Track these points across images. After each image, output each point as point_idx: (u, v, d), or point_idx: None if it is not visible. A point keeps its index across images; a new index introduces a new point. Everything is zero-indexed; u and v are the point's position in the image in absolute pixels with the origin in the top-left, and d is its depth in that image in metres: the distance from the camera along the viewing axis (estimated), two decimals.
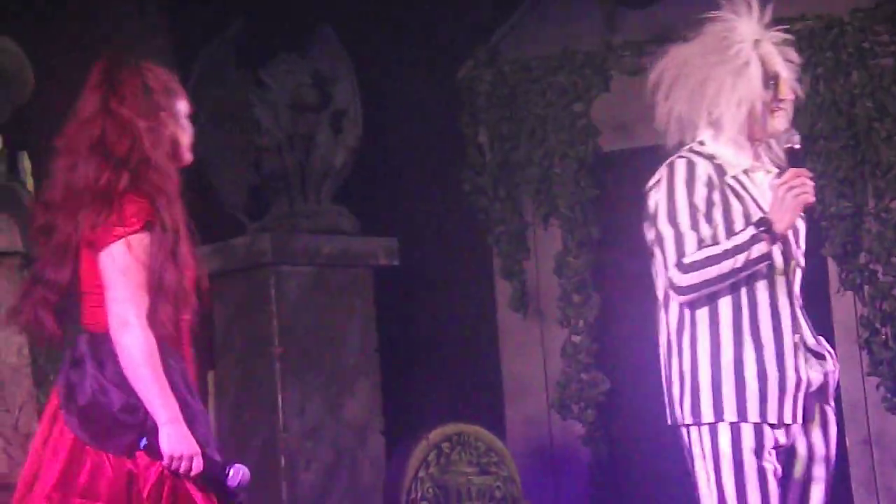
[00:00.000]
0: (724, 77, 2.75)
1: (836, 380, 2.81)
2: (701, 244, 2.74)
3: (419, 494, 4.44)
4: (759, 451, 2.69)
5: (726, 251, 2.70)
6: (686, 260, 2.75)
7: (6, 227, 3.92)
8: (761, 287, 2.73)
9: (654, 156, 4.98)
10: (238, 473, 2.38)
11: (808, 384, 2.73)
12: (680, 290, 2.77)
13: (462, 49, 5.18)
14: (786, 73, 2.79)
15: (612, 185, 5.13)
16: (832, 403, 2.82)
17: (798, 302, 2.78)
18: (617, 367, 5.08)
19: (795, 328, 2.74)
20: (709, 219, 2.76)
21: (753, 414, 2.69)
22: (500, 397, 5.15)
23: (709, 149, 2.85)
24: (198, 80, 4.79)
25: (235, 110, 4.91)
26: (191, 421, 2.36)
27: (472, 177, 5.23)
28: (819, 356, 2.77)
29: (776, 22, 4.63)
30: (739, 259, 2.68)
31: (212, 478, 2.35)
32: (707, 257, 2.70)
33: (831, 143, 4.76)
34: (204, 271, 2.49)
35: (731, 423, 2.70)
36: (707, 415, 2.72)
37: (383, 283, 4.98)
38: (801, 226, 2.84)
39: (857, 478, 4.75)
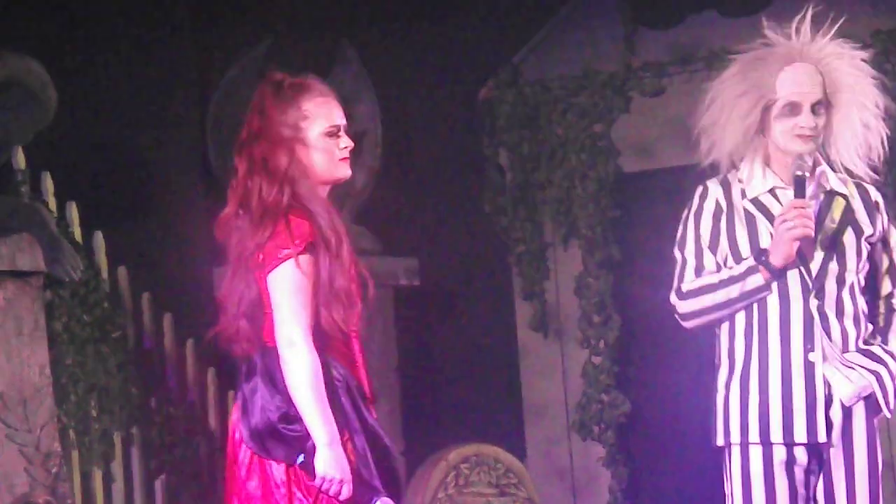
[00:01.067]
0: (726, 105, 2.80)
1: (886, 392, 2.72)
2: (700, 272, 2.77)
3: None
4: (767, 472, 2.68)
5: (721, 281, 2.73)
6: (684, 287, 2.81)
7: (28, 247, 3.94)
8: (773, 305, 2.71)
9: (675, 177, 5.05)
10: None
11: (830, 400, 2.69)
12: (681, 317, 2.85)
13: (483, 70, 5.19)
14: (804, 99, 2.75)
15: (633, 206, 5.13)
16: (873, 420, 2.73)
17: (835, 318, 2.72)
18: (637, 388, 5.07)
19: (808, 343, 2.70)
20: (713, 247, 2.79)
21: (754, 433, 2.70)
22: (520, 418, 5.13)
23: (741, 171, 2.86)
24: (222, 98, 4.81)
25: None
26: (349, 437, 2.42)
27: (492, 197, 5.23)
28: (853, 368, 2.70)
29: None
30: (734, 290, 2.71)
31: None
32: (702, 286, 2.76)
33: None
34: (368, 279, 2.53)
35: (741, 444, 2.72)
36: (719, 436, 2.78)
37: (404, 303, 4.97)
38: (851, 241, 2.75)
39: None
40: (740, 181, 2.84)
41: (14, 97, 3.94)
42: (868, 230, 2.79)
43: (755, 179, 2.82)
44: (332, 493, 2.38)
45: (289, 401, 2.40)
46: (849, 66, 2.83)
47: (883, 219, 2.83)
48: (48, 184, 4.20)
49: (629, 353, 5.08)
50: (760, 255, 2.69)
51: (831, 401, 2.71)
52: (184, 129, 4.84)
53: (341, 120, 2.53)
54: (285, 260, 2.42)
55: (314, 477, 2.39)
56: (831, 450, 2.73)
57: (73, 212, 4.27)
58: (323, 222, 2.45)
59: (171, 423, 4.45)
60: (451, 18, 5.07)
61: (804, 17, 2.81)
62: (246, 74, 4.82)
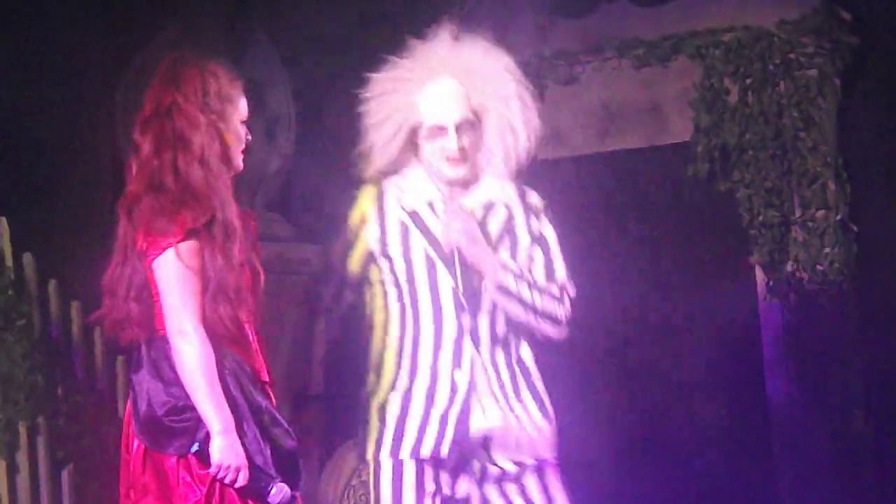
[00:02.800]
0: (374, 124, 2.73)
1: (538, 440, 2.70)
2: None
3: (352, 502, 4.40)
4: (419, 494, 2.63)
5: None
6: None
7: None
8: (426, 319, 2.69)
9: (588, 164, 5.15)
10: (280, 492, 2.39)
11: (471, 431, 2.64)
12: None
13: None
14: (446, 121, 2.69)
15: (546, 194, 5.12)
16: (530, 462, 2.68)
17: (487, 335, 2.69)
18: (550, 375, 5.09)
19: (457, 361, 2.66)
20: (384, 252, 2.75)
21: (406, 450, 2.65)
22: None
23: (399, 181, 2.81)
24: (131, 82, 4.72)
25: None
26: (238, 425, 2.36)
27: None
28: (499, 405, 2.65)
29: (700, 35, 4.77)
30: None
31: (255, 491, 2.37)
32: None
33: (759, 152, 4.83)
34: (260, 271, 2.47)
35: (393, 460, 2.65)
36: (368, 451, 2.70)
37: (318, 289, 4.93)
38: (493, 263, 2.72)
39: (783, 484, 4.81)
40: (399, 190, 2.79)
41: None
42: (525, 240, 2.83)
43: (412, 191, 2.76)
44: (227, 480, 2.36)
45: (176, 392, 2.37)
46: (494, 74, 2.79)
47: (542, 225, 2.89)
48: None
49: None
50: None
51: (467, 429, 2.67)
52: (92, 111, 4.75)
53: (246, 110, 2.51)
54: (167, 248, 2.37)
55: (209, 465, 2.36)
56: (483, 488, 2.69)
57: None
58: (218, 215, 2.40)
59: (78, 413, 4.38)
60: (360, 5, 5.03)
61: (442, 23, 2.79)
62: (156, 58, 4.73)
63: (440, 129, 2.70)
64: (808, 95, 4.77)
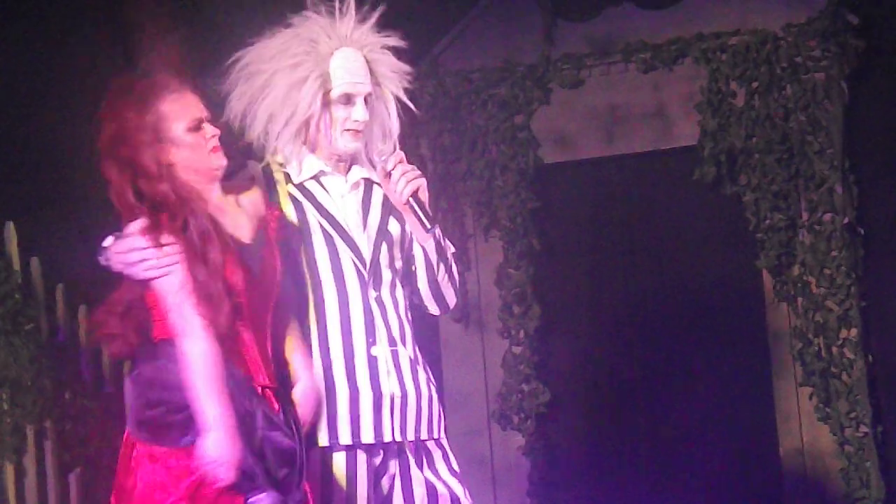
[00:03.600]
0: (279, 88, 2.59)
1: (430, 411, 2.65)
2: None
3: None
4: (350, 478, 2.57)
5: None
6: None
7: None
8: (331, 300, 2.60)
9: (594, 167, 5.16)
10: (261, 502, 2.40)
11: (394, 399, 2.60)
12: None
13: (403, 61, 5.14)
14: (359, 91, 2.60)
15: (553, 197, 5.14)
16: (425, 433, 2.63)
17: (392, 308, 2.64)
18: (556, 378, 5.09)
19: (370, 336, 2.59)
20: None
21: (334, 436, 2.56)
22: (442, 408, 5.13)
23: (280, 155, 2.68)
24: None
25: None
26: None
27: None
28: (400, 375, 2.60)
29: (706, 39, 4.78)
30: None
31: (238, 494, 2.39)
32: None
33: (766, 156, 4.82)
34: (240, 276, 2.46)
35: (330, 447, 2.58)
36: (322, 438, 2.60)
37: None
38: (395, 227, 2.67)
39: (789, 487, 4.81)
40: (281, 165, 2.66)
41: None
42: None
43: (302, 164, 2.64)
44: (216, 475, 2.37)
45: (173, 395, 2.40)
46: (386, 57, 2.69)
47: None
48: None
49: (548, 343, 5.11)
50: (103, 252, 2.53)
51: (391, 399, 2.61)
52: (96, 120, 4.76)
53: (202, 111, 2.47)
54: None
55: (199, 460, 2.38)
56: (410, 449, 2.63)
57: None
58: (192, 222, 2.41)
59: (86, 417, 4.39)
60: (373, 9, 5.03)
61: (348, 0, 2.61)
62: (158, 67, 4.78)
63: (348, 98, 2.60)
64: (814, 99, 4.77)
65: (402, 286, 2.70)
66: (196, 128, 2.45)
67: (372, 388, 2.61)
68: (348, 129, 2.61)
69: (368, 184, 2.69)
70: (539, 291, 5.09)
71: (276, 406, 2.49)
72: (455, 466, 2.73)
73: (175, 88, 2.46)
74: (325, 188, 2.66)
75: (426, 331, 5.10)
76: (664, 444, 4.96)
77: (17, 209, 4.27)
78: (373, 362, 2.61)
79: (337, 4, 2.60)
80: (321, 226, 2.63)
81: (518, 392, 5.04)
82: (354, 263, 2.63)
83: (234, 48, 2.60)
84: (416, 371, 2.68)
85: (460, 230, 5.16)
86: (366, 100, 2.63)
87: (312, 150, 2.66)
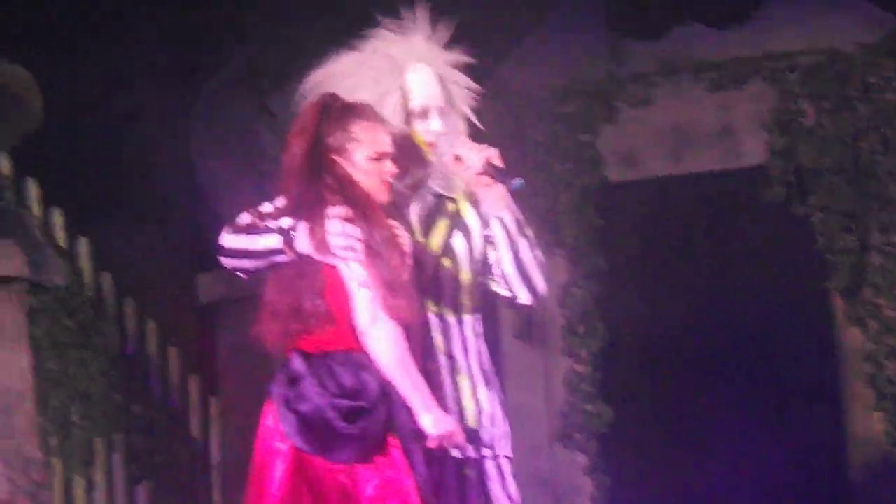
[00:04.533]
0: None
1: (492, 428, 2.69)
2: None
3: None
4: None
5: (257, 231, 2.56)
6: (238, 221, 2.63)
7: (12, 253, 3.94)
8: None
9: (660, 186, 5.13)
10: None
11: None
12: (218, 250, 2.66)
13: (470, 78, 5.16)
14: (435, 105, 2.64)
15: (618, 216, 5.12)
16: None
17: (455, 323, 2.66)
18: (620, 398, 5.06)
19: (427, 352, 2.59)
20: None
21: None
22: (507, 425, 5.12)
23: None
24: (205, 108, 4.85)
25: (241, 138, 4.92)
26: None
27: None
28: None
29: (775, 58, 4.72)
30: (257, 241, 2.54)
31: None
32: (249, 226, 2.57)
33: (836, 176, 4.76)
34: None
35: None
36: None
37: None
38: (461, 244, 2.65)
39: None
40: None
41: (0, 103, 3.94)
42: (476, 225, 2.70)
43: None
44: (452, 445, 2.46)
45: (346, 403, 2.43)
46: (456, 74, 2.71)
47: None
48: (33, 190, 4.20)
49: (612, 362, 5.07)
50: (286, 231, 2.50)
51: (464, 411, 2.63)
52: (170, 137, 4.83)
53: (388, 147, 2.54)
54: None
55: (425, 440, 2.44)
56: None
57: (57, 218, 4.27)
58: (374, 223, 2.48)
59: (153, 430, 4.44)
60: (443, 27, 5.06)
61: (421, 15, 2.65)
62: (227, 85, 4.86)
63: (424, 112, 2.64)
64: (886, 119, 4.70)
65: (473, 299, 2.68)
66: (378, 159, 2.52)
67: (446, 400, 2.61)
68: (428, 143, 2.64)
69: (437, 198, 2.71)
70: (603, 310, 5.09)
71: None
72: (511, 490, 2.73)
73: (371, 117, 2.54)
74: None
75: (489, 350, 5.18)
76: (730, 467, 4.89)
77: (90, 226, 4.36)
78: (429, 374, 2.58)
79: (409, 22, 2.65)
80: None
81: (581, 411, 5.05)
82: (414, 278, 2.59)
83: (300, 68, 2.66)
84: (477, 387, 2.67)
85: None
86: (439, 113, 2.67)
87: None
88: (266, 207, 2.52)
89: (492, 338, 5.30)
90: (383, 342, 2.43)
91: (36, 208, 4.19)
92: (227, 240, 2.54)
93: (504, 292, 2.72)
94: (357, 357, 2.46)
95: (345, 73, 2.63)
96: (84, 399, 4.20)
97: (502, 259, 2.69)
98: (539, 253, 2.73)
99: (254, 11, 4.81)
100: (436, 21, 2.67)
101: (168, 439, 4.49)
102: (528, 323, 5.15)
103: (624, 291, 5.08)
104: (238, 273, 2.60)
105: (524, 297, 2.72)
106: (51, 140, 4.21)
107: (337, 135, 2.49)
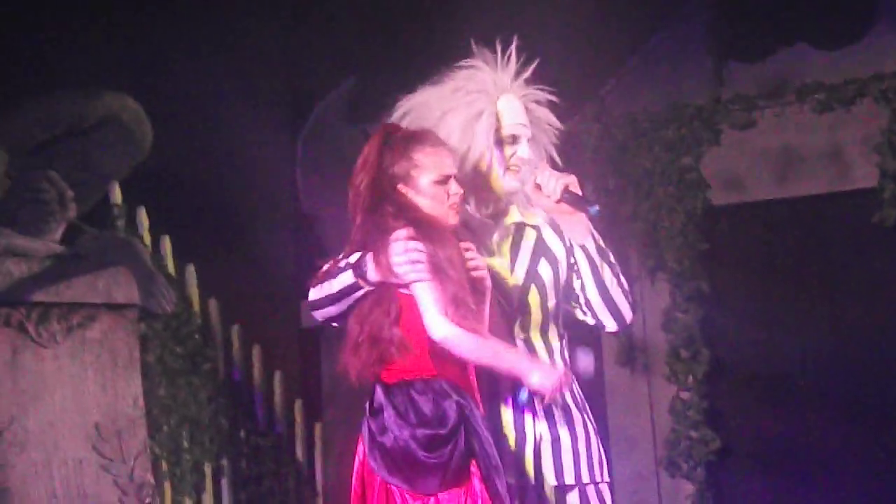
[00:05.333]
0: (455, 125, 2.65)
1: (588, 454, 2.65)
2: None
3: None
4: None
5: (333, 276, 2.60)
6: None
7: (124, 281, 3.96)
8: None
9: (765, 210, 5.05)
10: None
11: (541, 442, 2.62)
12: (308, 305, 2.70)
13: (569, 103, 5.15)
14: (524, 133, 2.66)
15: (722, 240, 5.07)
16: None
17: (543, 350, 2.65)
18: (727, 424, 4.99)
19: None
20: None
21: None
22: (607, 453, 5.06)
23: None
24: (310, 137, 4.90)
25: (347, 165, 4.96)
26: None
27: None
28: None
29: (886, 78, 4.62)
30: (334, 285, 2.58)
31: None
32: (328, 273, 2.61)
33: None
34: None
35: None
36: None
37: None
38: (547, 271, 2.66)
39: None
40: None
41: (111, 134, 4.00)
42: (561, 252, 2.70)
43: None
44: (564, 388, 2.48)
45: (426, 432, 2.45)
46: (542, 110, 2.72)
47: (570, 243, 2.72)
48: (143, 218, 4.28)
49: (718, 388, 5.01)
50: (356, 265, 2.53)
51: (559, 440, 2.61)
52: (275, 165, 4.89)
53: (452, 169, 2.56)
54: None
55: (544, 399, 2.46)
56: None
57: (166, 246, 4.34)
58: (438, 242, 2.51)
59: (259, 455, 4.47)
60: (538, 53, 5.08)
61: (511, 50, 2.67)
62: (331, 113, 4.90)
63: (513, 139, 2.67)
64: None
65: (560, 327, 2.70)
66: (443, 182, 2.55)
67: (515, 429, 2.61)
68: (511, 168, 2.66)
69: (521, 227, 2.72)
70: (708, 335, 5.08)
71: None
72: None
73: (433, 142, 2.57)
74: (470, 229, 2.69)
75: (591, 377, 5.15)
76: (841, 497, 4.79)
77: (197, 253, 4.41)
78: (518, 407, 2.60)
79: (499, 56, 2.67)
80: None
81: (687, 438, 5.02)
82: (500, 305, 2.62)
83: (401, 94, 2.71)
84: (571, 413, 2.65)
85: (625, 273, 5.05)
86: (529, 141, 2.69)
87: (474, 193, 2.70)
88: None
89: (594, 364, 5.31)
90: (459, 337, 2.43)
91: (146, 237, 4.27)
92: (312, 293, 2.59)
93: (590, 320, 2.73)
94: (436, 384, 2.47)
95: (439, 97, 2.67)
96: (193, 424, 4.25)
97: (587, 287, 2.69)
98: (624, 280, 2.73)
99: (358, 41, 4.86)
100: (525, 55, 2.69)
101: (274, 464, 4.51)
102: (631, 349, 5.12)
103: (728, 316, 5.04)
104: (330, 323, 2.64)
105: (610, 326, 2.72)
106: (160, 170, 4.28)
107: (401, 164, 2.52)
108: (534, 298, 2.65)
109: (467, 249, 2.52)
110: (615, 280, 2.71)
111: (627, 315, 2.73)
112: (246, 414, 4.49)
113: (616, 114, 5.13)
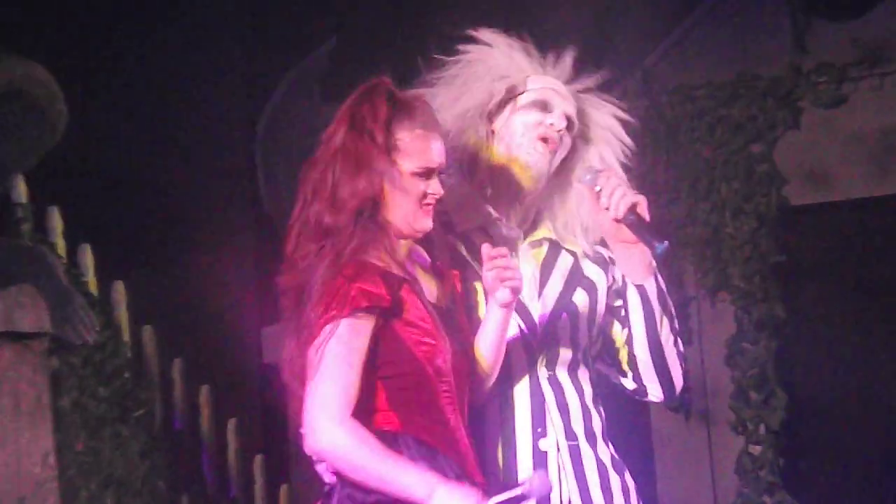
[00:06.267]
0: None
1: None
2: None
3: None
4: None
5: None
6: None
7: (30, 302, 3.94)
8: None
9: (859, 211, 4.95)
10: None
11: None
12: None
13: (610, 75, 5.11)
14: (562, 105, 2.68)
15: (804, 249, 5.03)
16: None
17: (574, 392, 2.67)
18: (810, 487, 4.95)
19: (538, 425, 2.63)
20: None
21: None
22: None
23: None
24: (274, 114, 4.89)
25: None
26: None
27: None
28: None
29: None
30: None
31: None
32: None
33: None
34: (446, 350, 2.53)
35: None
36: None
37: None
38: (582, 298, 2.68)
39: None
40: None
41: (14, 111, 3.93)
42: (602, 284, 2.72)
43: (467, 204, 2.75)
44: None
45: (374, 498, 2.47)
46: (605, 117, 2.75)
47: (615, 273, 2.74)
48: (56, 222, 4.22)
49: (798, 441, 4.99)
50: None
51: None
52: (227, 156, 4.89)
53: (438, 160, 2.54)
54: (327, 322, 2.48)
55: None
56: None
57: (86, 257, 4.28)
58: (390, 281, 2.49)
59: None
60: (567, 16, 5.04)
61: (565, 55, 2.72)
62: (302, 87, 4.88)
63: (544, 105, 2.66)
64: None
65: (591, 368, 2.71)
66: (423, 175, 2.52)
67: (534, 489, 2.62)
68: (542, 137, 2.65)
69: (554, 246, 2.73)
70: (784, 373, 5.00)
71: None
72: None
73: (425, 122, 2.53)
74: (494, 242, 2.69)
75: (634, 423, 5.04)
76: None
77: (125, 266, 4.37)
78: (540, 459, 2.61)
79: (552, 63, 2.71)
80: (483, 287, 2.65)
81: None
82: (523, 334, 2.64)
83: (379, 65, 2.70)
84: (608, 475, 2.67)
85: (678, 291, 5.08)
86: (565, 117, 2.68)
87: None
88: None
89: (637, 409, 5.19)
90: (347, 448, 2.43)
91: (60, 245, 4.20)
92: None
93: (629, 384, 2.73)
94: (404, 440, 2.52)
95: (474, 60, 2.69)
96: (121, 488, 4.18)
97: (635, 340, 2.68)
98: (681, 341, 2.73)
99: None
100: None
101: None
102: (685, 390, 4.94)
103: (811, 348, 5.01)
104: None
105: (655, 395, 2.73)
106: (78, 161, 4.24)
107: (380, 136, 2.50)
108: (564, 329, 2.66)
109: (496, 257, 2.49)
110: (672, 338, 2.69)
111: (679, 384, 2.73)
112: (190, 474, 4.46)
113: (666, 88, 5.08)
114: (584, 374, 2.67)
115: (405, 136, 2.50)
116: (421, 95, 2.58)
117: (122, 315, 4.32)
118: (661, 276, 2.65)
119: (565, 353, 2.65)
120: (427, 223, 2.51)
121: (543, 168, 2.64)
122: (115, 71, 4.53)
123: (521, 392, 2.63)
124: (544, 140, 2.63)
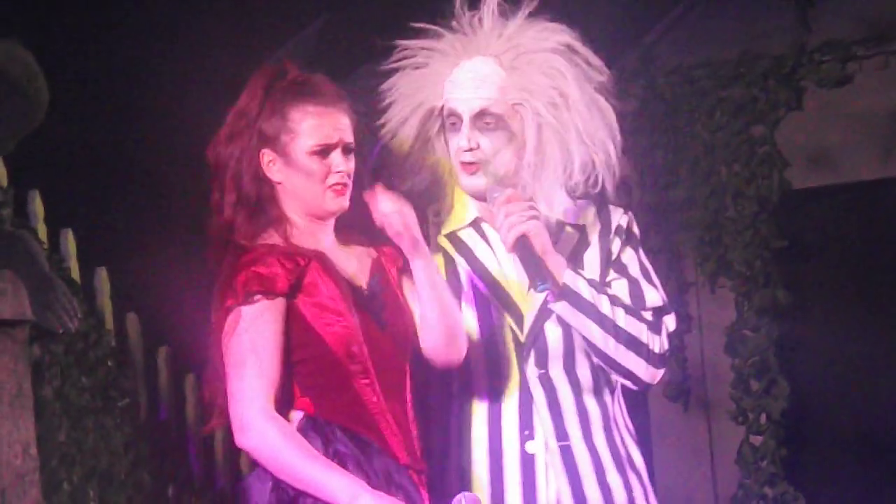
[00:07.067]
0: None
1: None
2: None
3: None
4: None
5: None
6: None
7: (10, 289, 3.84)
8: (476, 365, 2.74)
9: (864, 195, 4.94)
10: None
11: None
12: None
13: (604, 53, 5.09)
14: (470, 110, 2.66)
15: (806, 234, 5.03)
16: None
17: (568, 390, 2.69)
18: (813, 479, 4.97)
19: (525, 427, 2.65)
20: None
21: None
22: None
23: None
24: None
25: None
26: None
27: None
28: None
29: None
30: None
31: None
32: None
33: None
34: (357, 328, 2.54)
35: None
36: None
37: None
38: (560, 262, 2.65)
39: None
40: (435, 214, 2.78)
41: None
42: (602, 259, 2.73)
43: (455, 206, 2.74)
44: None
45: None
46: (551, 65, 2.68)
47: (619, 244, 2.75)
48: (37, 206, 4.22)
49: (801, 431, 4.98)
50: None
51: None
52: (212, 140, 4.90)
53: (339, 136, 2.54)
54: (228, 311, 2.51)
55: None
56: None
57: (69, 242, 4.28)
58: (287, 266, 2.50)
59: None
60: None
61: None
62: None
63: (454, 119, 2.67)
64: None
65: (593, 358, 2.70)
66: (321, 153, 2.53)
67: (523, 494, 2.64)
68: (461, 162, 2.67)
69: (560, 225, 2.73)
70: (786, 361, 5.00)
71: (426, 495, 2.53)
72: None
73: (321, 98, 2.54)
74: (484, 238, 2.72)
75: (631, 413, 5.03)
76: None
77: (109, 252, 4.37)
78: (527, 462, 2.63)
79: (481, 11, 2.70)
80: (473, 284, 2.67)
81: (760, 498, 4.95)
82: (512, 330, 2.65)
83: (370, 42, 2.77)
84: (604, 472, 2.67)
85: (677, 277, 5.10)
86: (476, 119, 2.65)
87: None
88: None
89: (634, 398, 5.20)
90: (276, 446, 2.47)
91: (41, 230, 4.20)
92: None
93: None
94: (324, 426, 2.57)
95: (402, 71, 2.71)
96: (104, 480, 4.19)
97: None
98: (630, 324, 2.67)
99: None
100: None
101: None
102: (684, 379, 5.11)
103: (814, 335, 5.01)
104: None
105: (630, 385, 2.71)
106: (60, 143, 4.15)
107: (272, 121, 2.53)
108: (554, 325, 2.65)
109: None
110: (610, 339, 2.65)
111: (642, 372, 2.68)
112: (176, 465, 4.44)
113: (666, 67, 5.08)
114: (583, 369, 2.66)
115: (297, 117, 2.51)
116: (320, 75, 2.57)
117: (106, 302, 4.33)
118: (648, 258, 2.66)
119: (557, 348, 2.64)
120: (339, 202, 2.51)
121: (477, 187, 2.64)
122: (99, 53, 4.53)
123: (510, 393, 2.63)
124: (463, 165, 2.64)
